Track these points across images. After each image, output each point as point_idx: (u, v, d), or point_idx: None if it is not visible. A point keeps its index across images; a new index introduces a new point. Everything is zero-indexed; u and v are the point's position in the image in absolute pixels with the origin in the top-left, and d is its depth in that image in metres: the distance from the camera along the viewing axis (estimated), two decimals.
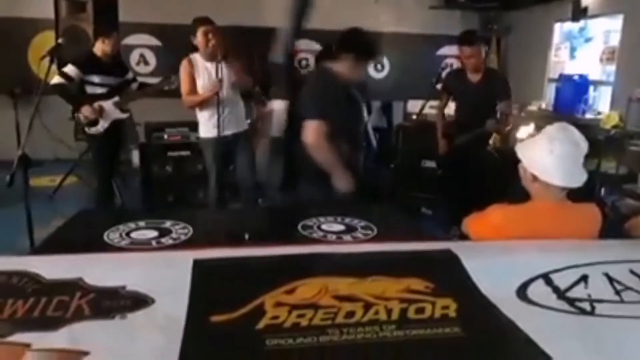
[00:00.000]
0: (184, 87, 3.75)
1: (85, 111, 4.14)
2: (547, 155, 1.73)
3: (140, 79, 5.13)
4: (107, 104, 4.25)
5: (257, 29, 7.04)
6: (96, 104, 4.17)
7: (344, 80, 2.80)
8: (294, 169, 2.92)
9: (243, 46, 5.47)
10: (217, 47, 3.62)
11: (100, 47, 4.22)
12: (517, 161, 1.86)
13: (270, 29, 7.06)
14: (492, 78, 4.16)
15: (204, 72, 3.73)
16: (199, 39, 3.66)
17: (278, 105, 3.41)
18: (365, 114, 4.25)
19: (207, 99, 3.68)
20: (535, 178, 1.77)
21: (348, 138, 2.82)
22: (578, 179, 1.75)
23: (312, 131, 2.63)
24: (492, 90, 4.04)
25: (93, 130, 4.25)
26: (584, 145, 1.76)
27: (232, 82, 3.73)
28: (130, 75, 4.56)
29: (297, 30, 3.37)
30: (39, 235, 2.58)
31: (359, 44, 2.82)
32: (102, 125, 4.26)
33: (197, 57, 3.75)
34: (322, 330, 1.14)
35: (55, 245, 2.10)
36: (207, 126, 3.80)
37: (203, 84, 3.73)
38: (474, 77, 4.10)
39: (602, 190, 4.46)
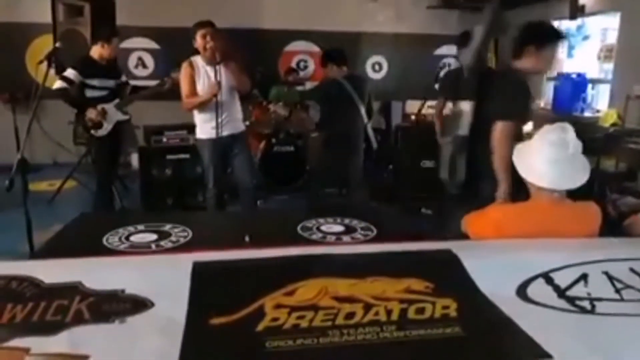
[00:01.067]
0: (184, 90, 3.76)
1: (91, 114, 4.15)
2: (534, 156, 1.73)
3: (138, 82, 5.14)
4: (109, 107, 4.28)
5: (256, 31, 7.07)
6: (99, 107, 4.19)
7: (533, 74, 2.85)
8: (476, 168, 2.94)
9: (242, 48, 5.47)
10: (215, 49, 3.62)
11: (98, 51, 4.22)
12: None
13: (269, 31, 7.14)
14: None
15: (204, 74, 3.74)
16: (198, 41, 3.67)
17: (466, 106, 3.50)
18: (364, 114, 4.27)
19: (207, 101, 3.69)
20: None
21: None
22: (570, 181, 1.73)
23: (501, 132, 2.63)
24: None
25: (99, 132, 4.26)
26: (573, 147, 1.72)
27: (230, 84, 3.75)
28: (123, 78, 4.58)
29: (489, 35, 3.42)
30: (39, 240, 2.58)
31: (538, 33, 2.82)
32: (106, 127, 4.28)
33: (198, 60, 3.77)
34: (322, 331, 1.14)
35: (55, 249, 2.10)
36: (204, 128, 3.82)
37: (203, 86, 3.74)
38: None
39: (607, 190, 4.45)
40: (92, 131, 4.25)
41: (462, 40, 4.15)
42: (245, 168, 3.95)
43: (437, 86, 4.92)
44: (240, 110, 4.02)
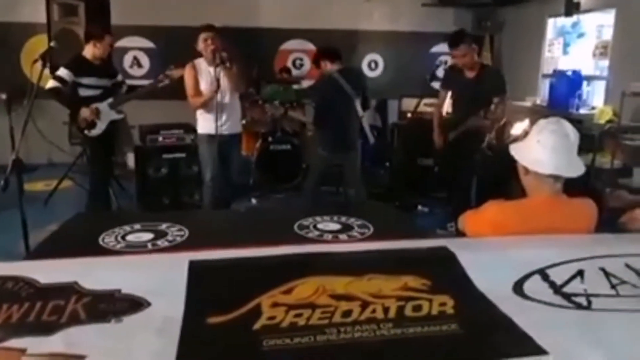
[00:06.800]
0: (189, 90, 4.01)
1: (85, 113, 4.13)
2: (535, 145, 1.73)
3: (133, 82, 5.13)
4: (103, 106, 4.26)
5: (252, 29, 7.06)
6: (93, 106, 4.17)
7: None
8: None
9: (239, 47, 5.45)
10: (215, 52, 3.86)
11: (91, 50, 4.20)
12: (513, 158, 1.86)
13: (265, 29, 7.13)
14: (487, 74, 4.18)
15: (207, 75, 3.99)
16: (200, 44, 3.93)
17: None
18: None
19: (209, 99, 3.93)
20: (527, 171, 1.77)
21: None
22: (572, 169, 1.74)
23: None
24: (487, 86, 4.05)
25: (93, 132, 4.24)
26: (573, 136, 1.75)
27: (230, 86, 3.99)
28: (119, 77, 4.57)
29: None
30: (34, 240, 2.58)
31: None
32: (100, 127, 4.26)
33: (200, 62, 4.01)
34: (319, 329, 1.14)
35: (51, 249, 2.10)
36: (207, 124, 4.03)
37: (207, 85, 3.98)
38: (470, 73, 4.14)
39: (606, 190, 4.46)
40: (86, 131, 4.23)
41: (453, 40, 4.15)
42: (240, 167, 4.19)
43: (433, 84, 4.93)
44: (240, 111, 4.29)
